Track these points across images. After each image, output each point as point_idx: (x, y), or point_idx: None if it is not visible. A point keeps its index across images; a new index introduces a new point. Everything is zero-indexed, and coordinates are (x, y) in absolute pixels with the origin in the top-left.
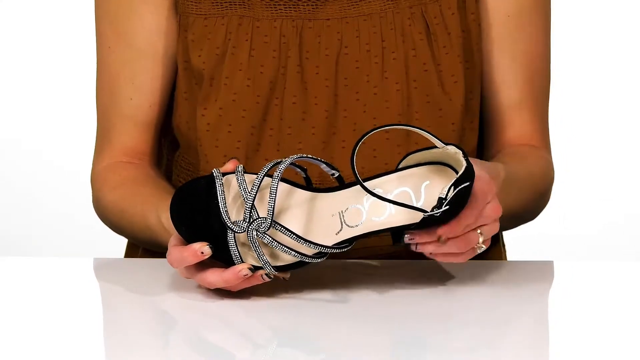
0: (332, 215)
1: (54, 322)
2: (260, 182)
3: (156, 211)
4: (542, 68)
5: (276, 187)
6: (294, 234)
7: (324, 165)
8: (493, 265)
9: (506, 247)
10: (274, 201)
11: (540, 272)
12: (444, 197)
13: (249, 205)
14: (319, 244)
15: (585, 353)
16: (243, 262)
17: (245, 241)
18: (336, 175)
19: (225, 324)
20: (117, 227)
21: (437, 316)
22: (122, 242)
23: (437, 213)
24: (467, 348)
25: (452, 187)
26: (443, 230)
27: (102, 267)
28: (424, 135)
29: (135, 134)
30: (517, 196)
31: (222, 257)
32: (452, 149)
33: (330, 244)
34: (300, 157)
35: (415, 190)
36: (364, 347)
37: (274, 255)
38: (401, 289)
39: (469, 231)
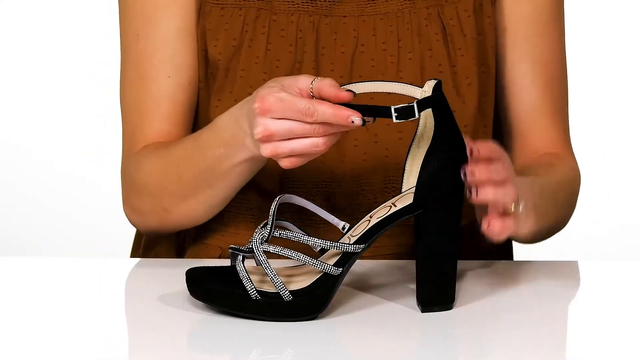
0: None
1: (54, 322)
2: (273, 223)
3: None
4: (561, 73)
5: (274, 207)
6: (301, 230)
7: (333, 217)
8: (505, 265)
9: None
10: (273, 215)
11: (553, 272)
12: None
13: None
14: (334, 241)
15: (596, 353)
16: (254, 285)
17: (257, 272)
18: (346, 228)
19: (230, 328)
20: (164, 174)
21: (440, 317)
22: (123, 243)
23: (416, 101)
24: (471, 348)
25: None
26: (472, 168)
27: (103, 268)
28: (399, 91)
29: (173, 116)
30: (553, 209)
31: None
32: (427, 85)
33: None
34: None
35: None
36: (364, 347)
37: (289, 282)
38: (405, 288)
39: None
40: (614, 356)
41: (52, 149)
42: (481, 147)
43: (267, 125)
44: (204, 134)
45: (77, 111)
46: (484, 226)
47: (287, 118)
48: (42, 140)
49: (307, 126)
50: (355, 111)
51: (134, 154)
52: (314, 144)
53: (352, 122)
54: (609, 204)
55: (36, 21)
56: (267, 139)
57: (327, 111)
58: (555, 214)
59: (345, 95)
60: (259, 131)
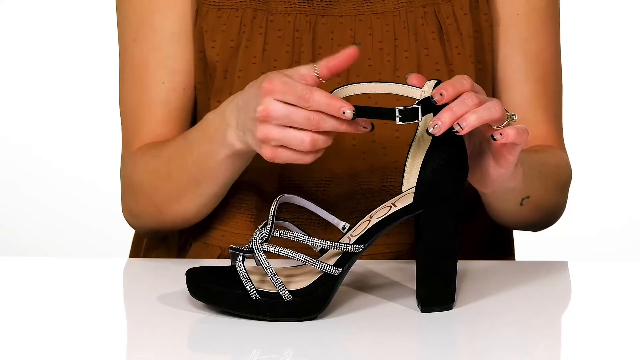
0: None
1: (54, 322)
2: (273, 224)
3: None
4: (555, 71)
5: (274, 207)
6: (301, 230)
7: (333, 217)
8: (506, 265)
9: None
10: (273, 215)
11: (554, 272)
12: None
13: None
14: (334, 241)
15: (593, 352)
16: (254, 285)
17: (257, 272)
18: (346, 228)
19: (230, 328)
20: (157, 173)
21: (440, 317)
22: (123, 243)
23: (415, 105)
24: (471, 348)
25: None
26: (439, 88)
27: (103, 268)
28: (399, 92)
29: (168, 121)
30: (540, 181)
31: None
32: (427, 85)
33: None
34: (309, 205)
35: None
36: (364, 347)
37: (289, 282)
38: (405, 288)
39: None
40: (611, 355)
41: (52, 149)
42: (448, 87)
43: (268, 105)
44: (193, 130)
45: (78, 111)
46: (497, 136)
47: (287, 102)
48: (42, 140)
49: (302, 113)
50: (349, 104)
51: (130, 155)
52: (300, 139)
53: (344, 113)
54: (613, 204)
55: (43, 23)
56: (265, 119)
57: (321, 99)
58: (543, 190)
59: (351, 53)
60: (259, 109)
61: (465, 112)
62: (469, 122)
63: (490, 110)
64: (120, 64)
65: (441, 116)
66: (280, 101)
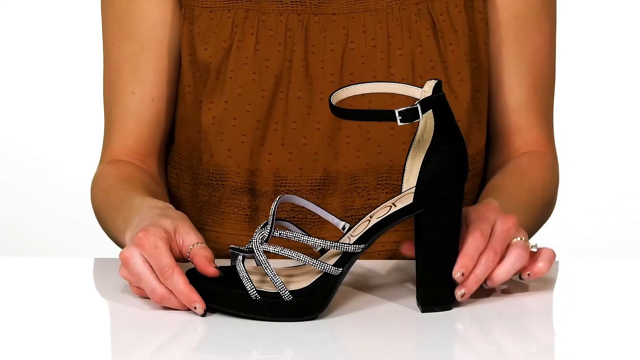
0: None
1: (54, 322)
2: (273, 222)
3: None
4: (548, 70)
5: (274, 207)
6: (301, 229)
7: (333, 217)
8: None
9: None
10: (273, 215)
11: (567, 272)
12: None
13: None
14: (334, 241)
15: (590, 353)
16: (254, 285)
17: (257, 272)
18: (347, 228)
19: (230, 328)
20: (97, 207)
21: (440, 317)
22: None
23: (416, 105)
24: (470, 348)
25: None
26: (458, 267)
27: (103, 268)
28: (399, 91)
29: (136, 132)
30: (531, 220)
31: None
32: (427, 85)
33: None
34: (311, 204)
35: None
36: (364, 347)
37: (289, 282)
38: (405, 288)
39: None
40: (606, 354)
41: (52, 149)
42: (462, 265)
43: (130, 255)
44: (129, 201)
45: (78, 111)
46: (525, 276)
47: (149, 263)
48: (41, 140)
49: (151, 285)
50: (202, 301)
51: (102, 164)
52: (152, 288)
53: (195, 308)
54: (612, 203)
55: (39, 23)
56: (124, 264)
57: (179, 286)
58: (534, 220)
59: (212, 272)
60: (123, 253)
61: (489, 273)
62: (497, 282)
63: (515, 265)
64: (103, 59)
65: (466, 284)
66: (144, 257)
